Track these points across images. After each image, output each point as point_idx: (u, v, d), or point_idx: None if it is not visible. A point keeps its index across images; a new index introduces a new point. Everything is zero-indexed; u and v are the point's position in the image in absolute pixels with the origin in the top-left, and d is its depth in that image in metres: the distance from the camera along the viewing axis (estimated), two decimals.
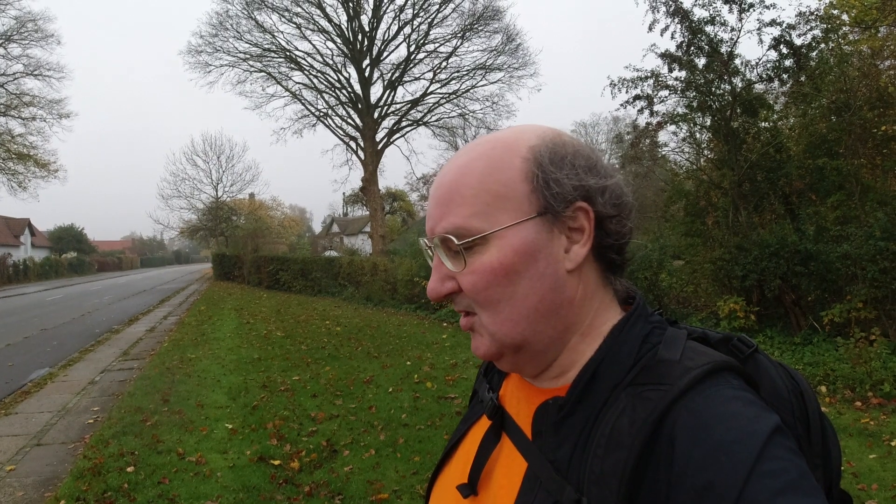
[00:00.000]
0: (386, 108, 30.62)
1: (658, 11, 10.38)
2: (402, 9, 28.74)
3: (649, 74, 10.67)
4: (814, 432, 0.77)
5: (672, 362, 0.73)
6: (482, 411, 0.92)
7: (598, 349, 0.79)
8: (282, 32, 29.40)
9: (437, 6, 28.55)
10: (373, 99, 30.04)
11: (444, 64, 30.07)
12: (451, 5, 28.49)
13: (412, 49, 29.63)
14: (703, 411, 0.66)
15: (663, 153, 13.23)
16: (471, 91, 30.65)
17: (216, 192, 49.51)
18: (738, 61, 10.09)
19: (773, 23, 9.68)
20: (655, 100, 10.84)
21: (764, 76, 10.11)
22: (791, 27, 9.66)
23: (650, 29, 10.53)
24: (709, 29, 10.09)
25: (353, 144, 30.76)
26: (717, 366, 0.72)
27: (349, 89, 30.08)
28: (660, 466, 0.66)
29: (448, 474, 0.93)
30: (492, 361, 1.00)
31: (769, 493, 0.59)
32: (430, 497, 0.96)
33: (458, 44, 29.44)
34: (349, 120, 30.62)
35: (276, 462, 5.59)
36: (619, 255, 0.84)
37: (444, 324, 14.55)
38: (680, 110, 10.91)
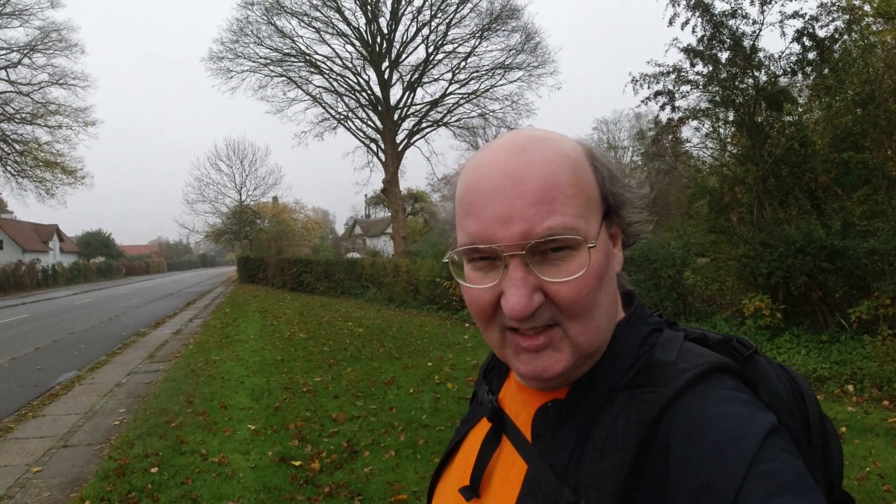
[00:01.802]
0: (406, 109, 30.72)
1: (679, 5, 10.27)
2: (419, 10, 28.82)
3: (671, 69, 10.56)
4: (814, 434, 0.76)
5: (667, 364, 0.73)
6: (482, 413, 0.91)
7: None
8: (301, 37, 29.68)
9: (455, 7, 28.58)
10: (392, 101, 30.17)
11: (463, 64, 30.11)
12: (469, 5, 28.53)
13: (431, 50, 29.70)
14: (697, 413, 0.66)
15: (686, 149, 13.07)
16: (490, 91, 30.65)
17: (240, 196, 50.07)
18: (760, 55, 9.95)
19: (795, 15, 9.52)
20: (677, 95, 10.73)
21: (787, 69, 9.94)
22: (814, 19, 9.49)
23: (671, 23, 10.42)
24: (731, 22, 9.96)
25: (373, 146, 30.92)
26: (712, 367, 0.71)
27: (369, 92, 30.22)
28: (656, 469, 0.65)
29: (449, 476, 0.92)
30: (493, 364, 0.99)
31: (765, 494, 0.59)
32: (431, 499, 0.96)
33: (477, 43, 29.47)
34: (369, 122, 30.79)
35: (297, 463, 5.62)
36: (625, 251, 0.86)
37: (466, 324, 14.54)
38: (702, 105, 10.79)
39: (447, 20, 29.01)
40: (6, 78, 36.22)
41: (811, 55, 9.63)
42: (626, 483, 0.66)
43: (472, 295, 0.75)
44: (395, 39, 29.49)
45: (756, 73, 9.95)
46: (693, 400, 0.67)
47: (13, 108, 36.80)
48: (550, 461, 0.74)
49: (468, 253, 0.75)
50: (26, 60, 36.29)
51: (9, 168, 37.66)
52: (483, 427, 0.89)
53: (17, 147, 37.58)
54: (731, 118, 10.78)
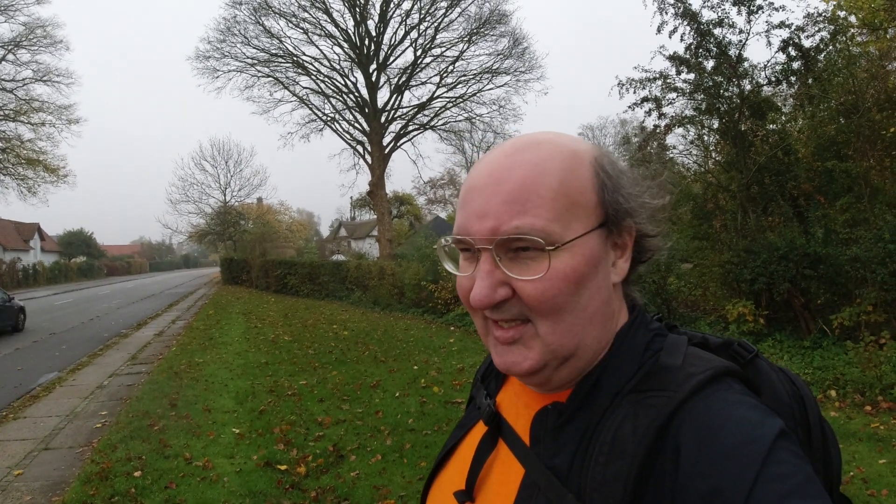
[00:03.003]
0: (393, 112, 30.66)
1: (666, 13, 10.37)
2: (408, 13, 28.80)
3: (657, 76, 10.65)
4: (814, 437, 0.77)
5: (674, 368, 0.73)
6: (479, 417, 0.91)
7: (602, 356, 0.79)
8: (289, 38, 29.50)
9: (444, 10, 28.59)
10: (380, 103, 30.10)
11: (451, 68, 30.11)
12: (458, 9, 28.54)
13: (419, 53, 29.69)
14: (706, 417, 0.66)
15: (671, 156, 13.18)
16: (477, 95, 30.64)
17: (224, 196, 49.78)
18: (745, 64, 10.06)
19: (781, 25, 9.64)
20: (664, 102, 10.81)
21: (772, 78, 10.06)
22: (800, 29, 9.62)
23: (659, 31, 10.51)
24: (717, 31, 10.07)
25: (360, 149, 30.82)
26: (718, 371, 0.72)
27: (356, 94, 30.15)
28: (664, 473, 0.65)
29: (444, 480, 0.92)
30: (490, 368, 0.99)
31: (776, 498, 0.59)
32: (425, 503, 0.95)
33: (465, 48, 29.47)
34: (356, 124, 30.69)
35: (283, 467, 5.58)
36: (642, 266, 0.86)
37: (452, 328, 14.53)
38: (688, 113, 10.89)
39: (435, 24, 29.04)
40: None
41: (796, 65, 9.76)
42: (634, 488, 0.66)
43: (458, 281, 0.80)
44: (384, 42, 29.45)
45: (741, 82, 10.07)
46: (702, 404, 0.68)
47: None
48: (549, 465, 0.74)
49: (455, 242, 0.79)
50: (10, 56, 35.74)
51: None
52: (480, 430, 0.88)
53: (0, 144, 37.09)
54: (715, 126, 10.89)
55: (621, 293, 0.83)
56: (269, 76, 30.26)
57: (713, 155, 11.77)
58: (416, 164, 45.00)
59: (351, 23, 28.94)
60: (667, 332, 0.83)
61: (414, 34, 29.30)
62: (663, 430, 0.67)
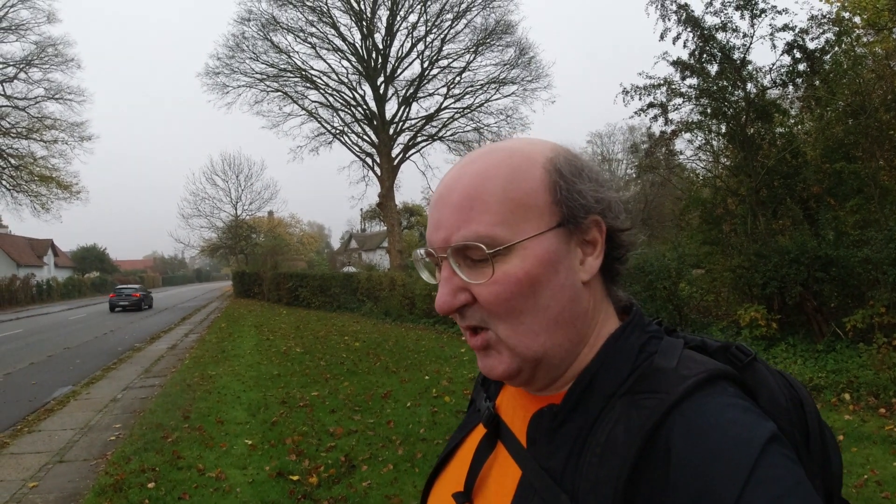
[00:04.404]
0: (401, 124, 30.80)
1: (669, 20, 10.39)
2: (414, 26, 28.99)
3: (662, 82, 10.65)
4: (813, 441, 0.76)
5: (668, 371, 0.73)
6: (479, 419, 0.91)
7: (594, 358, 0.78)
8: (297, 52, 29.78)
9: (450, 22, 28.77)
10: (388, 115, 30.24)
11: (458, 79, 30.23)
12: (464, 21, 28.72)
13: (426, 65, 29.85)
14: (698, 419, 0.66)
15: (679, 161, 13.16)
16: (485, 105, 30.73)
17: (235, 210, 49.98)
18: (750, 67, 10.05)
19: (785, 28, 9.64)
20: (669, 107, 10.81)
21: (778, 81, 10.05)
22: (804, 31, 9.61)
23: (662, 38, 10.53)
24: (720, 36, 10.08)
25: (369, 161, 30.97)
26: (713, 374, 0.71)
27: (364, 106, 30.32)
28: (656, 475, 0.65)
29: (443, 481, 0.92)
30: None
31: (766, 501, 0.59)
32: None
33: (472, 58, 29.60)
34: (365, 136, 30.84)
35: (295, 477, 5.60)
36: (622, 265, 0.85)
37: (463, 338, 14.47)
38: (694, 118, 10.87)
39: (442, 36, 29.21)
40: (2, 92, 36.22)
41: (801, 67, 9.74)
42: (626, 489, 0.65)
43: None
44: (391, 55, 29.65)
45: (746, 86, 10.05)
46: (694, 406, 0.67)
47: (9, 123, 36.75)
48: (545, 466, 0.74)
49: (426, 255, 0.82)
50: (22, 75, 36.29)
51: (4, 183, 37.54)
52: (479, 433, 0.89)
53: (13, 161, 37.51)
54: (722, 130, 10.86)
55: (600, 291, 0.83)
56: (278, 91, 30.53)
57: (722, 159, 11.74)
58: (425, 176, 44.87)
59: (358, 36, 29.19)
60: (663, 334, 0.82)
61: (421, 46, 29.51)
62: (655, 432, 0.67)
